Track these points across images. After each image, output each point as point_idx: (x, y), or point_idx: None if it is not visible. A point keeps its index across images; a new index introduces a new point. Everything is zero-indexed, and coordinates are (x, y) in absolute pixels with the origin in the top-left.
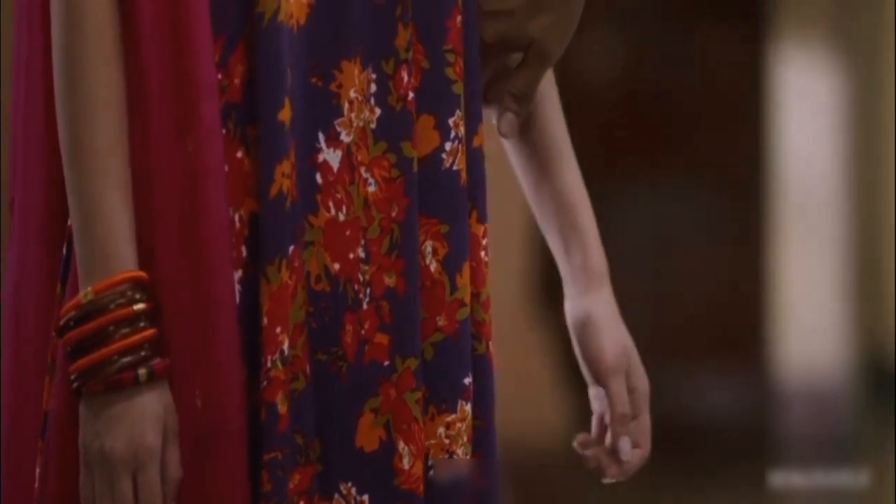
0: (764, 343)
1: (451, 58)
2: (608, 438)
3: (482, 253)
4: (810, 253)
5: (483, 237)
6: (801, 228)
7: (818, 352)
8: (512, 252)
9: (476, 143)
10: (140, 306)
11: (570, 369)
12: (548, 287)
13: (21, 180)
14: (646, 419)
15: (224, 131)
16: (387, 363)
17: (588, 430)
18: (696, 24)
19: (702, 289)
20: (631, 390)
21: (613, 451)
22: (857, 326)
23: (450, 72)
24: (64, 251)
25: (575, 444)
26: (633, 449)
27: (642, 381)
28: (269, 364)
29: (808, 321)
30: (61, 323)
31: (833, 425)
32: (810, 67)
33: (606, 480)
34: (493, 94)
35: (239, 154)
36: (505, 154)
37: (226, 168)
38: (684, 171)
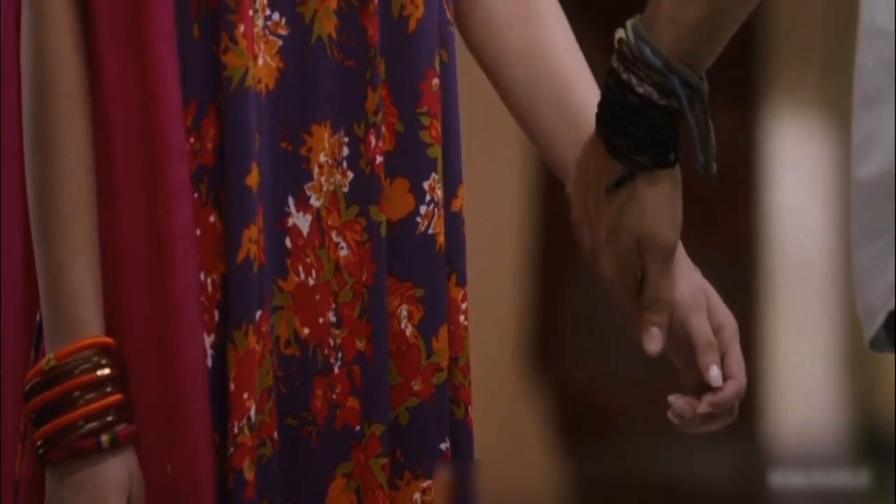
0: (758, 411)
1: (425, 120)
2: (699, 370)
3: (461, 317)
4: (804, 320)
5: (463, 301)
6: (795, 296)
7: (813, 420)
8: (504, 308)
9: (455, 206)
10: (105, 371)
11: (562, 427)
12: (540, 344)
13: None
14: (737, 352)
15: (196, 195)
16: (358, 428)
17: (579, 497)
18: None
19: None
20: (717, 328)
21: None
22: (853, 395)
23: (425, 135)
24: (38, 318)
25: (670, 412)
26: (728, 380)
27: (728, 319)
28: (235, 430)
29: (803, 389)
30: (26, 389)
31: (828, 494)
32: (803, 136)
33: (701, 426)
34: (636, 315)
35: (212, 218)
36: (498, 211)
37: (198, 232)
38: None
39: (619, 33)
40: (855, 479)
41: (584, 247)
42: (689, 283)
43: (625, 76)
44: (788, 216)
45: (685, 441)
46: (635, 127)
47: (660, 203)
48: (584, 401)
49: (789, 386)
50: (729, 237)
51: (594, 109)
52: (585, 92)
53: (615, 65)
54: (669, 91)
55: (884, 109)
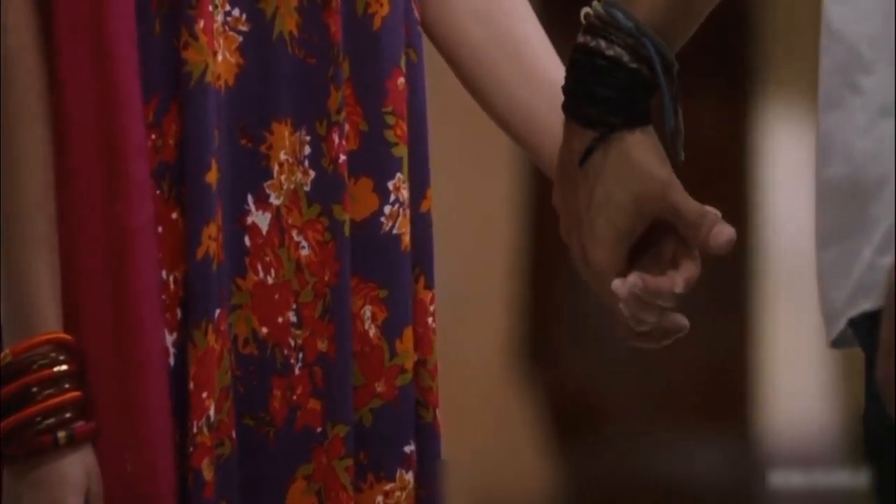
0: (751, 409)
1: (390, 120)
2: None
3: (430, 319)
4: (797, 318)
5: (431, 303)
6: (788, 293)
7: (805, 418)
8: (496, 308)
9: (423, 208)
10: (62, 368)
11: (556, 427)
12: (533, 344)
13: None
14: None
15: (158, 192)
16: (319, 429)
17: (573, 497)
18: (681, 91)
19: (687, 355)
20: None
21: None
22: (845, 392)
23: (389, 134)
24: None
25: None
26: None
27: None
28: (195, 429)
29: (800, 389)
30: None
31: (827, 494)
32: (797, 135)
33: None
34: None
35: (174, 215)
36: (489, 210)
37: (160, 229)
38: None
39: (586, 10)
40: (854, 479)
41: (575, 254)
42: None
43: (593, 43)
44: (782, 215)
45: (680, 441)
46: (605, 88)
47: (642, 149)
48: (578, 401)
49: (786, 385)
50: None
51: (551, 62)
52: (537, 41)
53: (581, 39)
54: (641, 56)
55: (840, 114)
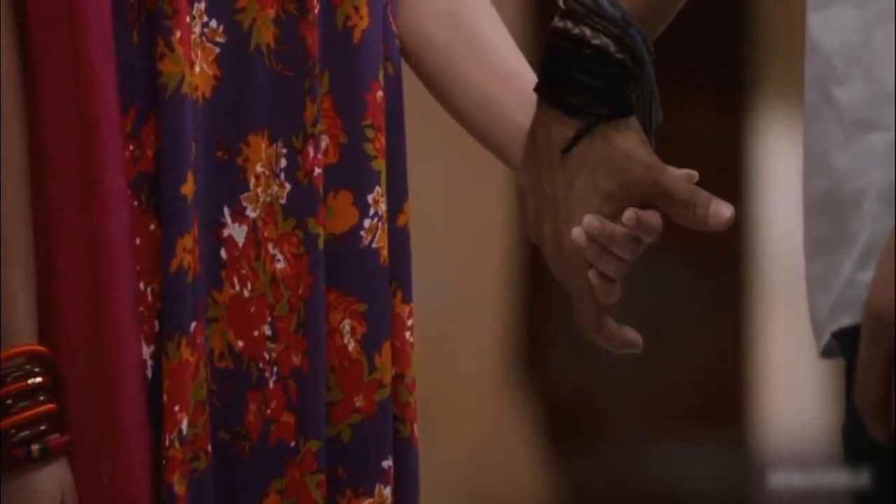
0: (750, 411)
1: (370, 133)
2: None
3: (407, 333)
4: (795, 319)
5: (408, 317)
6: (784, 299)
7: (805, 419)
8: (493, 315)
9: (401, 221)
10: (37, 380)
11: (552, 433)
12: (530, 350)
13: None
14: None
15: (136, 203)
16: (293, 444)
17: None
18: (676, 97)
19: (684, 361)
20: None
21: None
22: (842, 398)
23: (369, 147)
24: None
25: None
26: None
27: None
28: (167, 443)
29: (792, 392)
30: None
31: (821, 490)
32: (792, 140)
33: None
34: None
35: (152, 227)
36: (484, 217)
37: (138, 241)
38: (665, 244)
39: None
40: (854, 479)
41: (546, 241)
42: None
43: (576, 31)
44: (779, 218)
45: (679, 444)
46: (590, 77)
47: (630, 140)
48: (574, 407)
49: (785, 386)
50: (718, 239)
51: (517, 61)
52: (500, 38)
53: (561, 24)
54: (626, 45)
55: (820, 126)
